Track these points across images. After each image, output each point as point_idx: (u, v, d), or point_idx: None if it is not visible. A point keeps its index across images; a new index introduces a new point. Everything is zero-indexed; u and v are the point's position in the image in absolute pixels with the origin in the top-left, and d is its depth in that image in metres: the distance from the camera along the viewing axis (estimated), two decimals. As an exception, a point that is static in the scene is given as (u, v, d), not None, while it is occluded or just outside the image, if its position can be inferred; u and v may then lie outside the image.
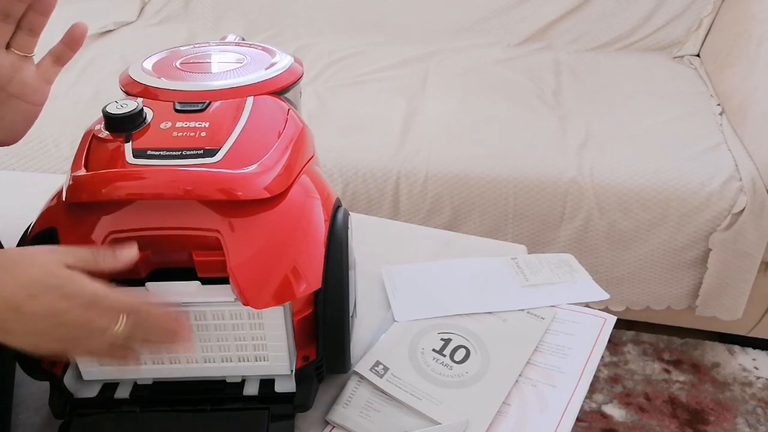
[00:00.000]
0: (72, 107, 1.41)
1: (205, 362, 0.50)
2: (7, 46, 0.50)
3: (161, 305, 0.43)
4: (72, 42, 0.53)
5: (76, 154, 0.47)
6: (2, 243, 0.55)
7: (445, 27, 1.74)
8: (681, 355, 1.44)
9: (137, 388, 0.51)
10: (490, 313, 0.63)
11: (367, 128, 1.34)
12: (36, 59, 0.53)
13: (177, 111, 0.50)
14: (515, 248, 0.73)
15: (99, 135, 0.48)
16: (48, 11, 0.50)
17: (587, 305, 0.64)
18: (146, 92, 0.52)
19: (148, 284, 0.46)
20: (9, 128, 0.53)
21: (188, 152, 0.45)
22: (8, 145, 0.54)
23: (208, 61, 0.58)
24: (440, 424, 0.52)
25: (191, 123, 0.48)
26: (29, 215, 0.49)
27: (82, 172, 0.45)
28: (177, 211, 0.45)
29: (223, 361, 0.50)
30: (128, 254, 0.43)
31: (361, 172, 1.27)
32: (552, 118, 1.38)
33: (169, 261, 0.47)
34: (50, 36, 0.55)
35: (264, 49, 0.61)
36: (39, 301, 0.39)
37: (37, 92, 0.53)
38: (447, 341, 0.59)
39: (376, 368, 0.56)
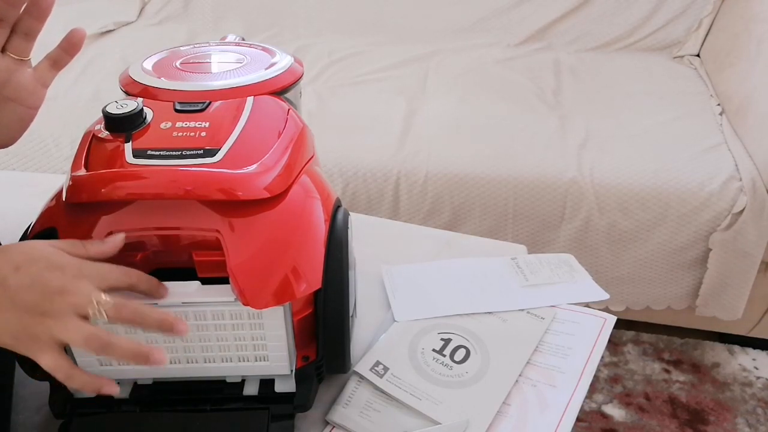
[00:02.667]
0: (72, 107, 1.41)
1: (205, 362, 0.50)
2: (3, 50, 0.50)
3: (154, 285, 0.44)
4: (70, 47, 0.52)
5: (76, 154, 0.47)
6: (2, 243, 0.55)
7: (445, 27, 1.74)
8: (681, 355, 1.44)
9: (137, 388, 0.51)
10: (490, 313, 0.63)
11: (367, 128, 1.34)
12: (34, 61, 0.53)
13: (177, 111, 0.50)
14: (515, 248, 0.73)
15: (99, 135, 0.48)
16: (43, 16, 0.50)
17: (587, 305, 0.64)
18: (146, 92, 0.52)
19: (148, 284, 0.46)
20: (4, 131, 0.53)
21: (188, 152, 0.45)
22: (3, 147, 0.54)
23: (208, 61, 0.58)
24: (440, 424, 0.52)
25: (191, 123, 0.48)
26: (29, 215, 0.49)
27: (82, 172, 0.45)
28: (177, 211, 0.45)
29: (223, 361, 0.50)
30: (114, 241, 0.44)
31: (361, 172, 1.27)
32: (552, 118, 1.38)
33: (169, 261, 0.47)
34: (49, 37, 0.55)
35: (264, 49, 0.61)
36: (24, 272, 0.40)
37: (33, 95, 0.52)
38: (447, 341, 0.59)
39: (376, 368, 0.56)
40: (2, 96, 0.51)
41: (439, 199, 1.27)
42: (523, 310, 0.63)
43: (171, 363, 0.50)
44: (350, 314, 0.52)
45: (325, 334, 0.50)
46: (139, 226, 0.45)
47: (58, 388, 0.49)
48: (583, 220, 1.24)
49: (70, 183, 0.45)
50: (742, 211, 1.18)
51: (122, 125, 0.48)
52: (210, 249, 0.45)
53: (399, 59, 1.62)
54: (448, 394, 0.54)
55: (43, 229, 0.46)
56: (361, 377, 0.56)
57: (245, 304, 0.44)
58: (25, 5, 0.49)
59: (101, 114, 0.48)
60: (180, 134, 0.47)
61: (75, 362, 0.49)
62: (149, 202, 0.45)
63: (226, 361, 0.50)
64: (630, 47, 1.67)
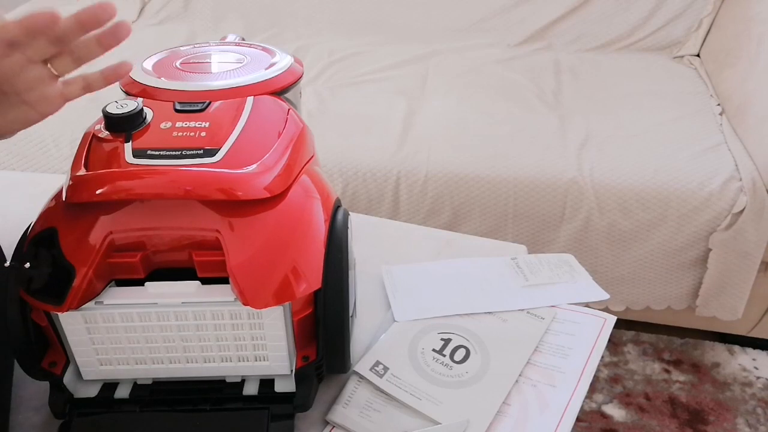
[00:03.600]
0: (72, 107, 1.40)
1: (205, 362, 0.50)
2: (45, 61, 0.48)
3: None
4: (112, 77, 0.50)
5: (76, 154, 0.47)
6: (1, 244, 0.55)
7: (445, 27, 1.74)
8: (681, 355, 1.44)
9: (137, 388, 0.51)
10: (490, 313, 0.63)
11: (367, 128, 1.34)
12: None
13: (177, 111, 0.50)
14: (515, 248, 0.73)
15: (99, 135, 0.48)
16: (110, 46, 0.48)
17: (587, 305, 0.64)
18: (146, 92, 0.52)
19: (148, 284, 0.46)
20: (8, 126, 0.51)
21: (188, 152, 0.45)
22: None
23: (208, 61, 0.58)
24: (440, 424, 0.52)
25: (191, 123, 0.49)
26: (29, 215, 0.49)
27: (82, 172, 0.45)
28: (177, 211, 0.45)
29: (222, 361, 0.50)
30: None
31: (361, 172, 1.27)
32: (552, 118, 1.38)
33: (169, 261, 0.47)
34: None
35: (264, 49, 0.61)
36: None
37: (52, 106, 0.50)
38: (447, 341, 0.59)
39: (376, 368, 0.56)
40: (22, 99, 0.49)
41: (439, 199, 1.27)
42: (523, 310, 0.63)
43: (171, 363, 0.50)
44: (350, 314, 0.52)
45: (325, 334, 0.50)
46: (139, 226, 0.45)
47: (58, 388, 0.49)
48: (583, 220, 1.25)
49: (70, 183, 0.45)
50: (742, 211, 1.18)
51: (122, 125, 0.48)
52: (210, 249, 0.45)
53: (399, 59, 1.62)
54: (448, 394, 0.54)
55: (43, 229, 0.46)
56: (361, 377, 0.56)
57: (245, 304, 0.44)
58: (96, 31, 0.46)
59: (101, 114, 0.48)
60: (180, 134, 0.47)
61: (75, 363, 0.49)
62: (149, 202, 0.45)
63: (226, 361, 0.50)
64: (630, 47, 1.67)
